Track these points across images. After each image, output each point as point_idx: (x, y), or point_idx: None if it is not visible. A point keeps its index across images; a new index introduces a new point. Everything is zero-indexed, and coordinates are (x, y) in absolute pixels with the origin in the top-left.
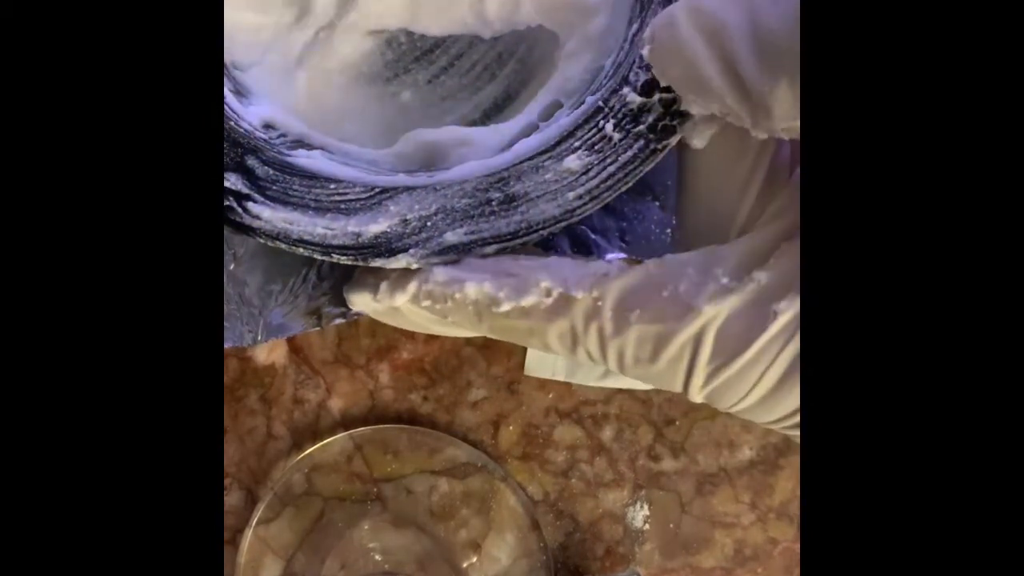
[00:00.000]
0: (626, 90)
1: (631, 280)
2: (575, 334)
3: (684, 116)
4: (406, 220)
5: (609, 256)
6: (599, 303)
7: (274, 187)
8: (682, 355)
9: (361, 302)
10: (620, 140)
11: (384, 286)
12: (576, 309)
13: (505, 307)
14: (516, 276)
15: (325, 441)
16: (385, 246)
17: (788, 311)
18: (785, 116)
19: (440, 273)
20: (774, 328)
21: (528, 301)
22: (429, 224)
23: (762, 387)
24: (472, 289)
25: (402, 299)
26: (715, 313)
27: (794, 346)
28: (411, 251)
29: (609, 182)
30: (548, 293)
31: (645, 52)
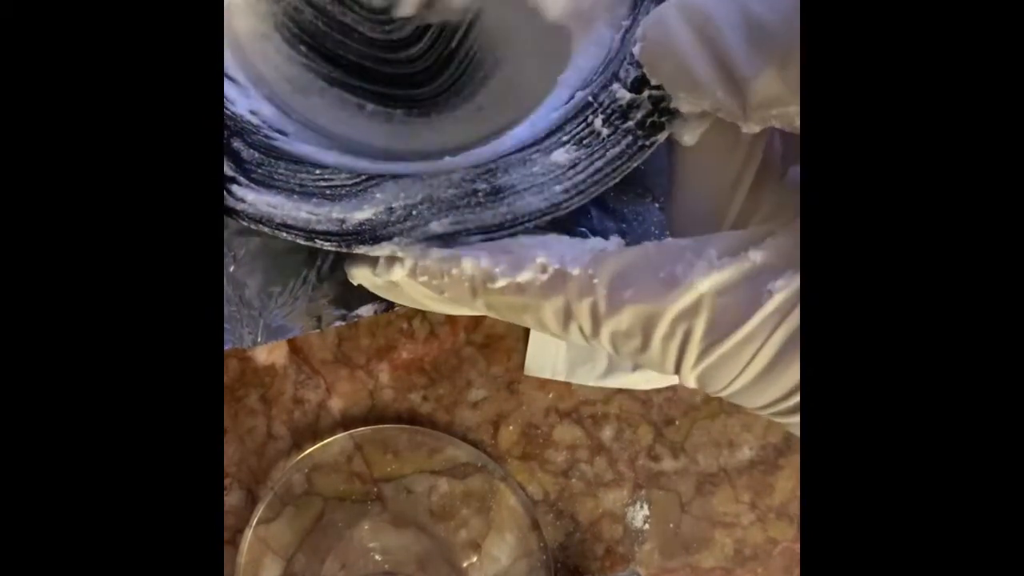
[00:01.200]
0: (616, 86)
1: (628, 259)
2: (569, 310)
3: (673, 113)
4: (391, 208)
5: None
6: (594, 280)
7: (259, 170)
8: (674, 332)
9: (360, 275)
10: (608, 135)
11: (383, 260)
12: (571, 284)
13: (501, 282)
14: (513, 253)
15: (325, 441)
16: (369, 233)
17: (783, 291)
18: (776, 101)
19: (437, 249)
20: (768, 307)
21: (524, 277)
22: (414, 213)
23: (754, 367)
24: (469, 264)
25: (399, 273)
26: (707, 289)
27: (787, 327)
28: (395, 239)
29: (596, 177)
30: (544, 269)
31: (636, 50)
